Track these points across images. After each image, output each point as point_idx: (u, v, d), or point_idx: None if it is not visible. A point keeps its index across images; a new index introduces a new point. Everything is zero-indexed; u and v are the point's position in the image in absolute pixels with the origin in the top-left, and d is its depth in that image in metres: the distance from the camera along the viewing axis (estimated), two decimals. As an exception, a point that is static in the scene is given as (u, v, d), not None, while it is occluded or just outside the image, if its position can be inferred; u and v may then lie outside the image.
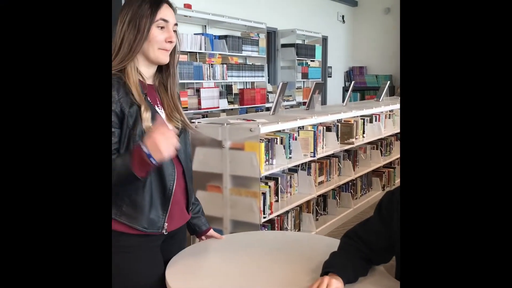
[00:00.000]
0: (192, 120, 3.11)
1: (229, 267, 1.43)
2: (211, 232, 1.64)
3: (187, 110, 4.59)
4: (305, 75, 7.03)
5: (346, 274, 1.26)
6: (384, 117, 4.89)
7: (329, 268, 1.27)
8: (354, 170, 4.18)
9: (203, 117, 4.55)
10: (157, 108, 1.37)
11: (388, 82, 5.63)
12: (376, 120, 4.66)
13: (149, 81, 1.40)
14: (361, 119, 4.37)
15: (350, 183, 4.26)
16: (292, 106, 6.41)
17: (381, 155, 4.75)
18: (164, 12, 1.34)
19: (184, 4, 4.84)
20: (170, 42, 1.35)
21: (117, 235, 1.30)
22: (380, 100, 5.34)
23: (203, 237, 1.64)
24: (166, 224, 1.37)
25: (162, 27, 1.33)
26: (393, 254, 1.35)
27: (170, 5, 1.38)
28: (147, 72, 1.39)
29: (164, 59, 1.37)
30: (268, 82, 6.42)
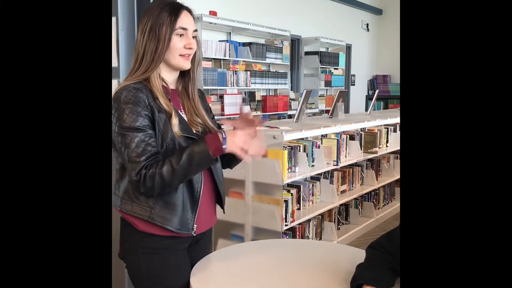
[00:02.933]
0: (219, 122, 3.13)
1: (252, 275, 1.43)
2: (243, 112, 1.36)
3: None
4: (328, 83, 7.01)
5: (381, 285, 1.25)
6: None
7: (363, 280, 1.26)
8: (377, 180, 4.13)
9: (226, 123, 4.58)
10: (180, 113, 1.39)
11: (413, 91, 5.56)
12: (399, 130, 4.60)
13: (171, 86, 1.42)
14: (384, 128, 4.33)
15: (373, 193, 4.21)
16: (314, 114, 6.39)
17: (405, 165, 4.68)
18: (183, 20, 1.34)
19: (210, 11, 4.90)
20: (190, 48, 1.36)
21: (147, 236, 1.32)
22: (405, 109, 5.28)
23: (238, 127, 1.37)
24: (196, 225, 1.38)
25: (181, 35, 1.34)
26: None
27: (189, 11, 1.38)
28: (169, 77, 1.41)
29: (185, 65, 1.38)
30: (291, 90, 6.42)
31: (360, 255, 1.40)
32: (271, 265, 1.50)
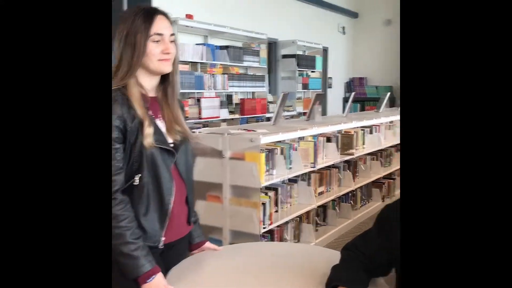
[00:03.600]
0: (193, 130, 3.12)
1: (227, 279, 1.42)
2: (208, 244, 1.60)
3: (187, 119, 4.61)
4: (305, 86, 7.06)
5: (355, 286, 1.26)
6: (384, 128, 4.90)
7: (337, 281, 1.27)
8: (354, 181, 4.17)
9: (204, 126, 4.57)
10: (158, 121, 1.37)
11: (389, 93, 5.65)
12: (376, 131, 4.67)
13: (151, 94, 1.39)
14: (361, 130, 4.38)
15: (350, 194, 4.25)
16: (292, 117, 6.43)
17: (381, 166, 4.75)
18: (158, 25, 1.31)
19: (186, 15, 4.88)
20: (168, 53, 1.34)
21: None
22: (380, 111, 5.36)
23: (196, 251, 1.60)
24: (163, 238, 1.37)
25: (157, 41, 1.32)
26: (392, 266, 1.35)
27: (165, 15, 1.36)
28: (149, 84, 1.38)
29: (166, 68, 1.36)
30: (269, 92, 6.45)
31: (336, 256, 1.41)
32: (247, 270, 1.49)
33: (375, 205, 4.65)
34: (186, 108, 4.65)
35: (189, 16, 4.91)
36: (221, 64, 5.28)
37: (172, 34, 1.36)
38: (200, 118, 4.85)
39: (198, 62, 5.00)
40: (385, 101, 5.42)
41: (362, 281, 1.30)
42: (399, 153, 5.28)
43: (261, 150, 2.98)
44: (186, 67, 4.81)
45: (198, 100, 4.91)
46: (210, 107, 4.99)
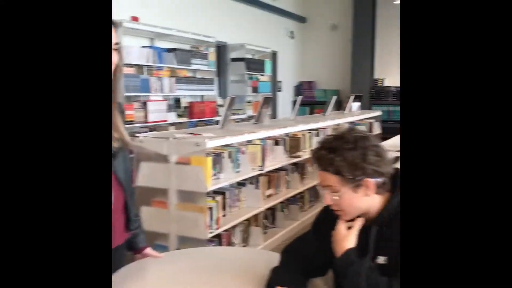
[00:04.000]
0: (137, 134, 3.05)
1: (166, 285, 1.39)
2: (148, 250, 1.59)
3: (133, 123, 4.50)
4: (255, 89, 7.10)
5: (294, 287, 1.26)
6: (330, 131, 5.01)
7: (276, 283, 1.27)
8: (302, 183, 4.23)
9: (151, 130, 4.47)
10: None
11: (335, 97, 5.79)
12: (322, 134, 4.76)
13: None
14: (308, 133, 4.46)
15: (298, 196, 4.31)
16: (242, 120, 6.44)
17: (328, 168, 4.85)
18: None
19: (131, 17, 4.77)
20: None
21: None
22: (327, 114, 5.48)
23: (139, 255, 1.59)
24: None
25: None
26: (329, 267, 1.37)
27: None
28: None
29: None
30: (219, 96, 6.43)
31: (276, 259, 1.42)
32: (186, 274, 1.47)
33: (323, 206, 4.73)
34: (132, 112, 4.54)
35: (134, 19, 4.80)
36: (168, 67, 5.20)
37: (117, 43, 1.30)
38: (147, 122, 4.74)
39: (144, 65, 4.90)
40: (331, 105, 5.55)
41: (300, 282, 1.31)
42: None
43: (208, 154, 2.96)
44: (131, 70, 4.70)
45: (145, 103, 4.81)
46: (157, 111, 4.90)
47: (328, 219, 1.34)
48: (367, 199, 1.24)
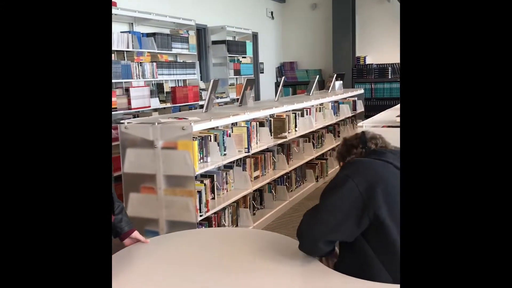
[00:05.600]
0: (122, 121, 3.02)
1: (158, 268, 1.41)
2: (136, 234, 1.58)
3: (116, 110, 4.44)
4: (237, 72, 7.06)
5: None
6: (314, 111, 5.03)
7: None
8: (288, 164, 4.27)
9: (134, 117, 4.43)
10: None
11: (318, 76, 5.79)
12: (307, 114, 4.79)
13: None
14: (292, 113, 4.47)
15: (285, 176, 4.35)
16: (226, 103, 6.41)
17: (314, 148, 4.89)
18: None
19: (108, 1, 4.66)
20: None
21: None
22: (310, 94, 5.50)
23: (127, 240, 1.58)
24: None
25: None
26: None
27: None
28: None
29: None
30: (201, 80, 6.37)
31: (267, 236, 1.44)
32: (179, 255, 1.49)
33: (310, 186, 4.79)
34: (114, 99, 4.48)
35: (112, 4, 4.70)
36: (148, 52, 5.13)
37: None
38: (130, 109, 4.69)
39: (124, 51, 4.82)
40: (314, 84, 5.57)
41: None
42: (330, 134, 5.47)
43: (194, 137, 2.95)
44: (111, 56, 4.62)
45: (127, 90, 4.75)
46: (140, 97, 4.84)
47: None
48: None
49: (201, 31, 6.64)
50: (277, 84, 9.02)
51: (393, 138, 1.86)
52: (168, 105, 5.40)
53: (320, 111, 5.18)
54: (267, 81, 8.78)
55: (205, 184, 3.08)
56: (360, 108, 6.51)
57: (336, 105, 5.80)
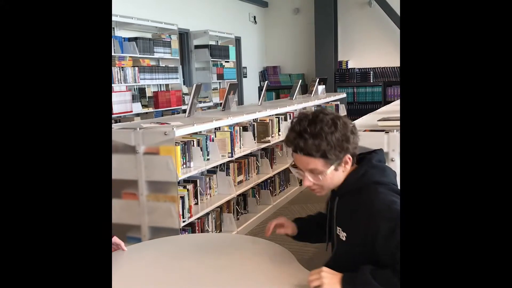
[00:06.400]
0: (103, 126, 2.97)
1: (137, 278, 1.38)
2: (115, 239, 1.57)
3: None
4: (220, 76, 7.05)
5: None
6: (296, 114, 5.05)
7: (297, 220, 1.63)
8: (272, 168, 4.27)
9: (116, 122, 4.38)
10: None
11: (300, 80, 5.82)
12: (290, 118, 4.79)
13: None
14: (276, 117, 4.48)
15: (269, 180, 4.34)
16: (209, 108, 6.39)
17: (297, 152, 4.89)
18: None
19: (89, 5, 4.61)
20: None
21: None
22: (293, 99, 5.51)
23: None
24: None
25: None
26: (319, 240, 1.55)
27: None
28: None
29: None
30: (184, 84, 6.34)
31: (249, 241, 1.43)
32: (162, 261, 1.46)
33: (293, 189, 4.80)
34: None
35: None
36: (130, 57, 5.08)
37: None
38: (112, 114, 4.64)
39: (105, 55, 4.77)
40: (297, 89, 5.59)
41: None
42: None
43: (176, 142, 2.93)
44: (92, 61, 4.57)
45: (108, 95, 4.70)
46: (122, 102, 4.79)
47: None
48: (345, 173, 1.32)
49: (184, 36, 6.62)
50: (260, 89, 9.04)
51: (376, 142, 1.87)
52: (151, 109, 5.36)
53: (303, 115, 5.20)
54: (250, 85, 8.79)
55: (188, 190, 3.05)
56: (343, 112, 6.56)
57: (320, 108, 5.82)
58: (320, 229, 1.51)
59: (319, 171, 1.27)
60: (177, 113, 5.43)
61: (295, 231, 1.58)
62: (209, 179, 3.41)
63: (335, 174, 1.29)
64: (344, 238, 1.31)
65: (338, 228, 1.34)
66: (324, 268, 1.22)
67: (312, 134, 1.24)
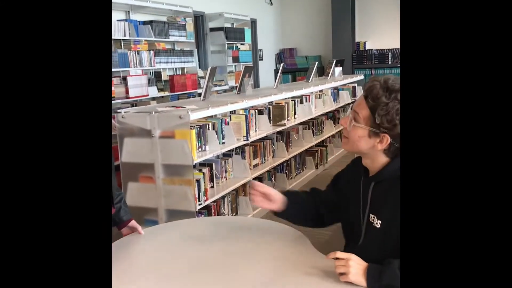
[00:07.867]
0: (119, 110, 3.00)
1: (155, 260, 1.40)
2: (133, 223, 1.59)
3: (113, 100, 4.42)
4: (236, 59, 7.01)
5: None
6: (314, 98, 5.00)
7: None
8: (287, 151, 4.25)
9: (132, 106, 4.40)
10: None
11: (317, 62, 5.75)
12: (306, 101, 4.75)
13: None
14: (291, 100, 4.44)
15: (285, 164, 4.33)
16: (225, 91, 6.37)
17: (313, 135, 4.87)
18: None
19: (104, -11, 4.61)
20: None
21: None
22: (310, 81, 5.46)
23: (125, 229, 1.60)
24: None
25: None
26: (332, 221, 1.56)
27: None
28: None
29: None
30: (199, 67, 6.33)
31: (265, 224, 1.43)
32: (179, 242, 1.48)
33: (309, 173, 4.78)
34: (112, 88, 4.45)
35: (107, -10, 4.63)
36: (145, 40, 5.08)
37: None
38: (128, 98, 4.66)
39: (121, 39, 4.77)
40: (313, 71, 5.52)
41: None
42: (330, 121, 5.44)
43: (192, 126, 2.93)
44: (108, 45, 4.58)
45: (124, 78, 4.72)
46: (138, 86, 4.81)
47: (347, 175, 1.46)
48: (373, 150, 1.28)
49: (199, 18, 6.58)
50: (276, 71, 8.96)
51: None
52: (167, 93, 5.37)
53: (319, 98, 5.15)
54: (266, 68, 8.72)
55: (203, 173, 3.06)
56: (360, 94, 6.47)
57: (335, 92, 5.76)
58: (312, 211, 1.56)
59: (357, 119, 1.27)
60: (192, 97, 5.43)
61: (282, 207, 1.53)
62: (225, 162, 3.42)
63: (363, 139, 1.28)
64: (378, 226, 1.27)
65: (372, 215, 1.30)
66: (353, 256, 1.20)
67: (385, 88, 1.23)
